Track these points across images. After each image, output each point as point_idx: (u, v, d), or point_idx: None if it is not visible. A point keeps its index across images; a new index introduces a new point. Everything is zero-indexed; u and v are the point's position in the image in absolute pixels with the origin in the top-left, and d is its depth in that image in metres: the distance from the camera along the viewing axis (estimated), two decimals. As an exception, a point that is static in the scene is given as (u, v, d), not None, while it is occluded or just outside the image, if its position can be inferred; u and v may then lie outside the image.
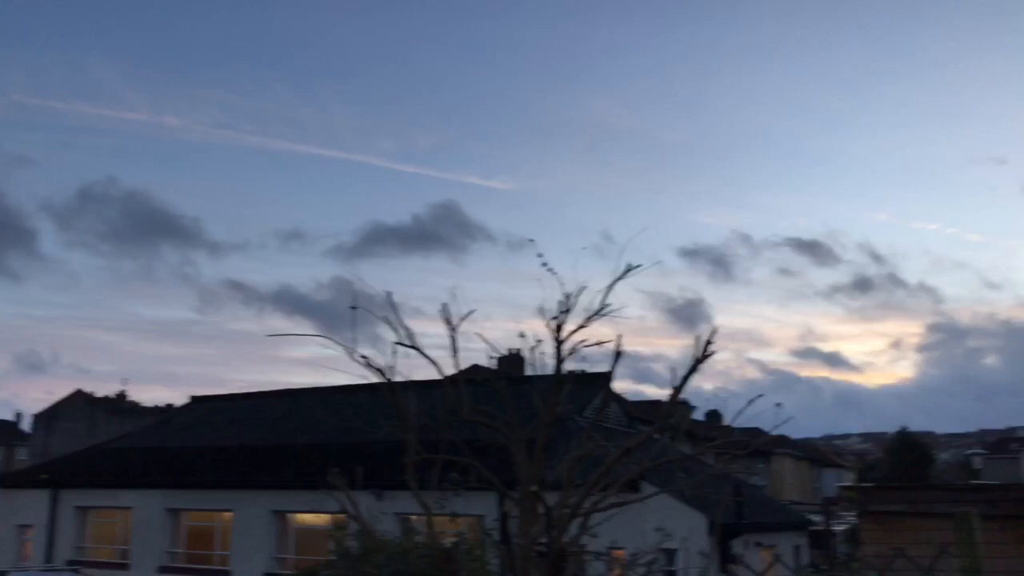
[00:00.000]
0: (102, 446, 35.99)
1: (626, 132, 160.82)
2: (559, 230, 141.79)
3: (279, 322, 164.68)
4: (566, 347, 8.54)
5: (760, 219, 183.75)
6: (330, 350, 8.71)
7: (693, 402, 21.64)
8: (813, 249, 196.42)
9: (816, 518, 32.00)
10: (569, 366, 8.66)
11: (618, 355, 8.46)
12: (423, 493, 8.85)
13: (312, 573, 10.16)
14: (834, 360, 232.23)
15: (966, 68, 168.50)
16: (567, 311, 8.44)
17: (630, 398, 38.07)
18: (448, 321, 8.82)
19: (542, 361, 8.69)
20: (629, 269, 8.37)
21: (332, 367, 9.40)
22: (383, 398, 8.91)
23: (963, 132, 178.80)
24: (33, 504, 29.81)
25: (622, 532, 9.15)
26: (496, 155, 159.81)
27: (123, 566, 27.72)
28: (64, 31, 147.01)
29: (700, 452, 12.20)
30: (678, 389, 8.36)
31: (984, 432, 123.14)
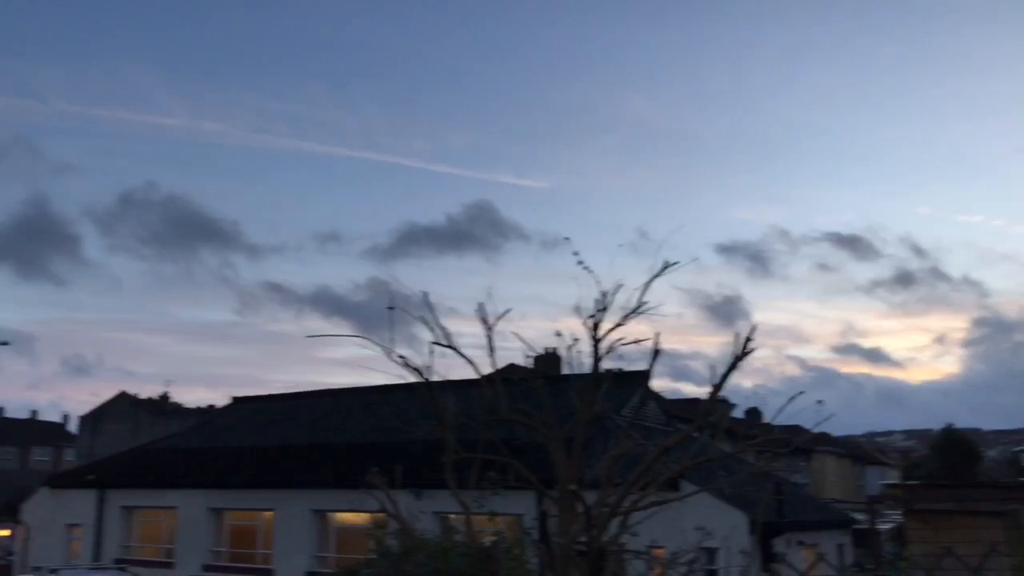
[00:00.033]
0: (146, 447, 36.65)
1: (661, 129, 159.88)
2: (594, 228, 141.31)
3: (317, 323, 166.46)
4: (603, 345, 8.53)
5: (799, 214, 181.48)
6: (368, 350, 8.81)
7: (732, 400, 21.37)
8: (853, 244, 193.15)
9: (860, 516, 31.50)
10: (606, 364, 8.67)
11: (656, 353, 8.43)
12: (462, 492, 8.88)
13: (353, 572, 10.25)
14: (876, 356, 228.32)
15: (1010, 56, 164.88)
16: (604, 309, 8.43)
17: (668, 396, 37.88)
18: (484, 321, 8.86)
19: (579, 360, 8.70)
20: (666, 266, 8.35)
21: (370, 367, 9.53)
22: (421, 398, 8.97)
23: (1008, 121, 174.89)
24: (81, 504, 30.48)
25: (662, 531, 9.10)
26: (530, 154, 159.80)
27: (168, 565, 28.19)
28: (103, 39, 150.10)
29: (740, 450, 12.16)
30: (717, 387, 8.31)
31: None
